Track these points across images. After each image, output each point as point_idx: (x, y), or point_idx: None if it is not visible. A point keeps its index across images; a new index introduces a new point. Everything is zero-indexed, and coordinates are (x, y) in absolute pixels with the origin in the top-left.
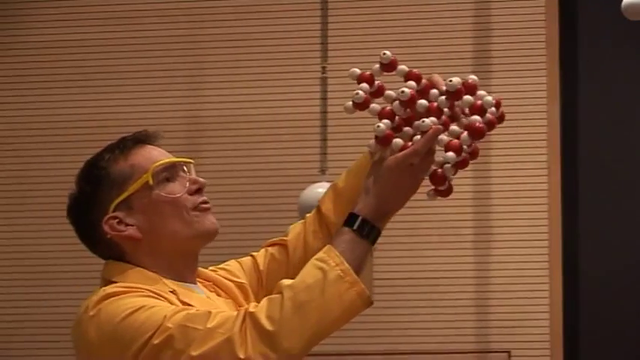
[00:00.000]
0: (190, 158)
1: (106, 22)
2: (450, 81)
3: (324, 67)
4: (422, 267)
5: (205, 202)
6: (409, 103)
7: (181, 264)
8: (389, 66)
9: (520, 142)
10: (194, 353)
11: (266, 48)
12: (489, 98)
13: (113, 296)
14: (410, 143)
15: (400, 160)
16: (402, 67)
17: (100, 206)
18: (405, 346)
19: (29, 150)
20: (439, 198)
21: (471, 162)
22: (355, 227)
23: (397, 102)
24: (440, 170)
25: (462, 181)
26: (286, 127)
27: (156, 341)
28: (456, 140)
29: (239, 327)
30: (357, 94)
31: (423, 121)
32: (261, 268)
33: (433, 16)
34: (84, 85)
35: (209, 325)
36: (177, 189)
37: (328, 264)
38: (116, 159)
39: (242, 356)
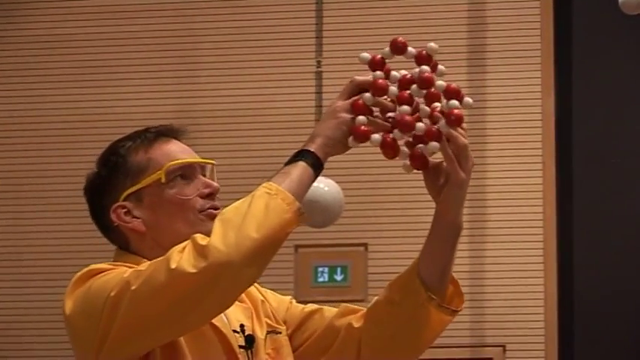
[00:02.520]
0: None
1: (98, 16)
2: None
3: (319, 62)
4: None
5: (215, 208)
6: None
7: None
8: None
9: (515, 136)
10: (134, 287)
11: (261, 42)
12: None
13: (99, 272)
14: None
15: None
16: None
17: (112, 193)
18: None
19: (21, 145)
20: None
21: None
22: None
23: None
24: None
25: None
26: (281, 120)
27: (113, 293)
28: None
29: (180, 249)
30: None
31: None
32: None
33: (428, 10)
34: (76, 79)
35: (156, 260)
36: (188, 191)
37: (258, 189)
38: (136, 149)
39: (173, 266)
